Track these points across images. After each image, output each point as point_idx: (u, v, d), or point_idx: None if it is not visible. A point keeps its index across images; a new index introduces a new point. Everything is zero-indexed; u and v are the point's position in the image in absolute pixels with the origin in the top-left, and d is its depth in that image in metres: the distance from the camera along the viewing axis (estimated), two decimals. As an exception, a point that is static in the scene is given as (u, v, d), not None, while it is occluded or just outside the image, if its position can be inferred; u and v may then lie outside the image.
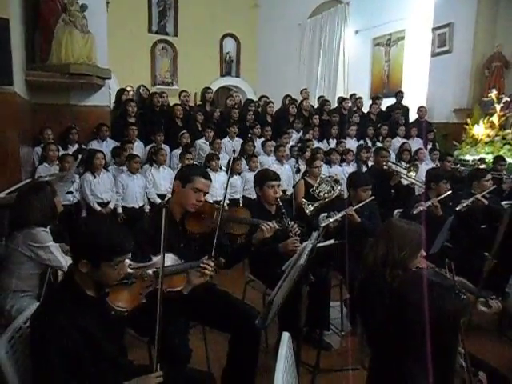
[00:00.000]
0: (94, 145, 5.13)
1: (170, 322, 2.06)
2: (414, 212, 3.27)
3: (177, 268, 1.92)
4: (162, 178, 4.90)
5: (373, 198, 3.34)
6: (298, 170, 5.50)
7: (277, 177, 2.96)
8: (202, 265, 1.97)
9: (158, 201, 4.76)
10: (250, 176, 5.11)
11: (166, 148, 5.33)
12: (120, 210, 4.64)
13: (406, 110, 7.31)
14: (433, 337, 1.20)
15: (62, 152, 4.65)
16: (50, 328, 1.41)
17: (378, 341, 1.49)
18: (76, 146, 5.05)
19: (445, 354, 1.26)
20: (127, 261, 1.65)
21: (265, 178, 2.95)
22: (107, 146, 5.21)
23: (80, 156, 4.64)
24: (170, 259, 1.95)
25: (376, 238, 2.00)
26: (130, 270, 1.67)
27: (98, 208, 4.47)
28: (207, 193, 2.33)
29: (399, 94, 7.47)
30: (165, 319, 2.05)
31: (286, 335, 1.45)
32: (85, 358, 1.44)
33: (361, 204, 3.24)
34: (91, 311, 1.52)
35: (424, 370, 1.18)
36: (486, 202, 3.48)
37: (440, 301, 1.23)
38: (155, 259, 1.88)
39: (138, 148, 5.39)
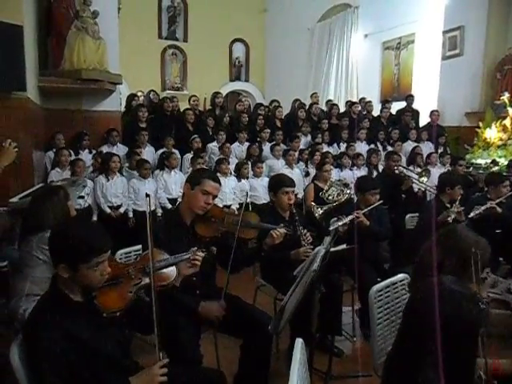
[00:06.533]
0: (105, 149, 5.16)
1: (181, 328, 2.06)
2: (440, 218, 3.25)
3: (166, 262, 1.92)
4: (174, 183, 4.91)
5: (381, 202, 3.32)
6: (307, 174, 5.47)
7: (292, 183, 2.93)
8: (192, 256, 1.98)
9: (169, 205, 4.77)
10: (254, 182, 5.12)
11: (177, 152, 5.34)
12: (131, 215, 4.65)
13: (416, 113, 7.25)
14: (449, 345, 1.18)
15: (73, 157, 4.70)
16: (37, 337, 1.40)
17: (396, 347, 1.46)
18: (87, 151, 5.11)
19: (462, 362, 1.23)
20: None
21: (280, 183, 2.92)
22: (117, 150, 5.25)
23: (92, 161, 4.68)
24: (157, 254, 1.93)
25: (433, 241, 1.64)
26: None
27: (108, 211, 4.50)
28: (216, 196, 2.34)
29: (409, 98, 7.40)
30: (176, 325, 2.05)
31: (299, 341, 1.43)
32: (76, 364, 1.42)
33: (369, 208, 3.22)
34: (79, 317, 1.49)
35: (441, 378, 1.15)
36: (499, 210, 3.42)
37: (457, 309, 1.20)
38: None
39: (149, 153, 5.42)
